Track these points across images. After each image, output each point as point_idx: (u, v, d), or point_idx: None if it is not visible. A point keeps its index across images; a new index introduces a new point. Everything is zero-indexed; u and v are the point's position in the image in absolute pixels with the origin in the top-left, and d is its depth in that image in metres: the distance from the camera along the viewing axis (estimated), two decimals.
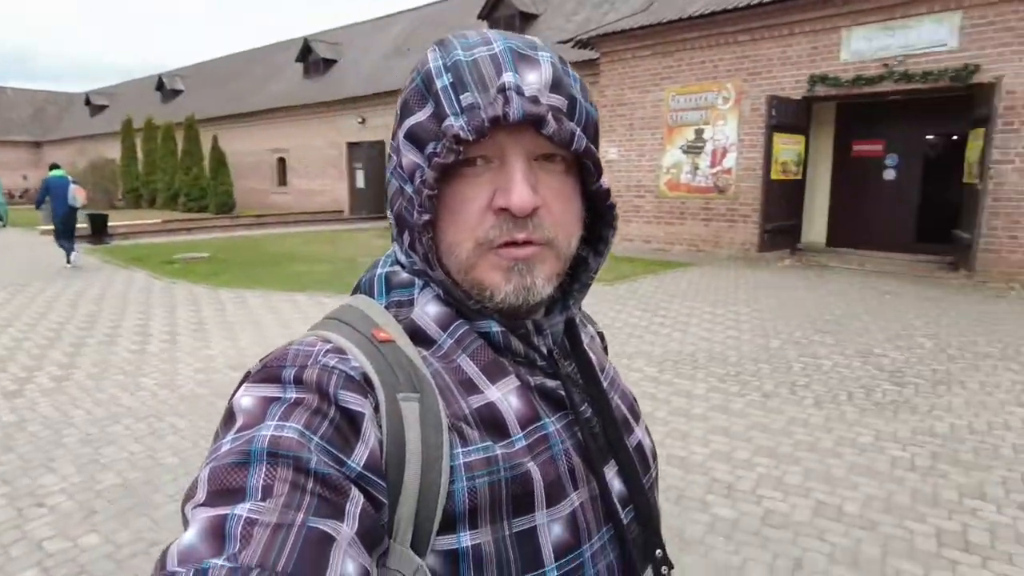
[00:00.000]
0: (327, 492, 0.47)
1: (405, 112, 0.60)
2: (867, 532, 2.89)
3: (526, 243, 0.59)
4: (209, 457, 0.49)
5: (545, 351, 0.66)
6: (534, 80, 0.56)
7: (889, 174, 11.13)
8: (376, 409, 0.54)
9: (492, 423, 0.59)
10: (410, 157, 0.60)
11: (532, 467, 0.58)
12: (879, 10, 9.46)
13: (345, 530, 0.46)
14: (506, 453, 0.57)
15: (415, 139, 0.59)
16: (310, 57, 25.75)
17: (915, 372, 5.11)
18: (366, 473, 0.50)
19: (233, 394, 0.55)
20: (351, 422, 0.52)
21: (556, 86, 0.58)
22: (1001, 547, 2.76)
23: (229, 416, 0.53)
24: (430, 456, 0.54)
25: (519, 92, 0.55)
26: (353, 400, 0.53)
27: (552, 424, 0.62)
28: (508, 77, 0.56)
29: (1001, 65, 8.56)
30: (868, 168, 11.21)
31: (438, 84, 0.57)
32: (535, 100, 0.56)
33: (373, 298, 0.66)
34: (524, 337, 0.64)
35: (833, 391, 4.71)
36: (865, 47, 9.72)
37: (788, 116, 10.28)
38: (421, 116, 0.58)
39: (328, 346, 0.57)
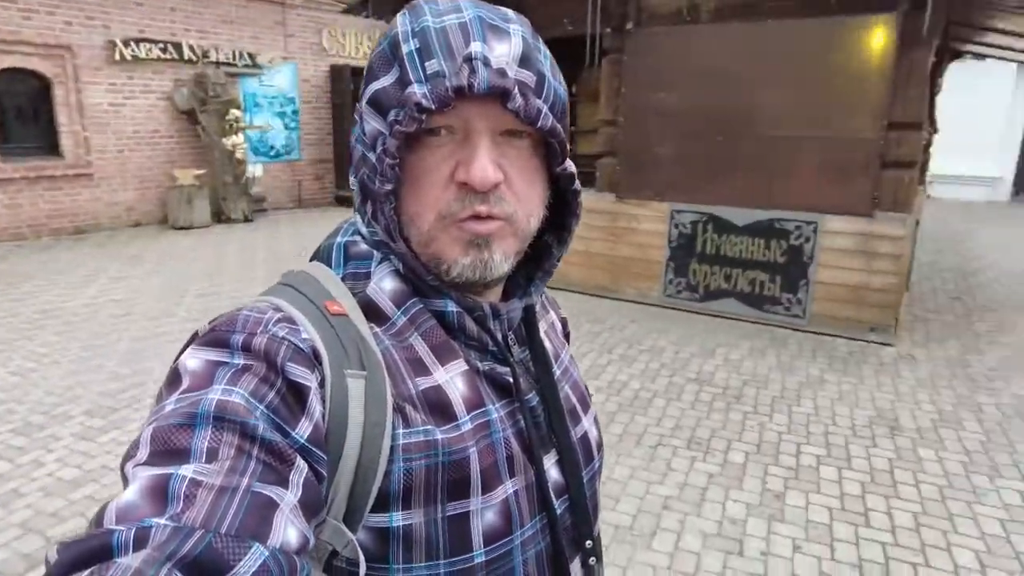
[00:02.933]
0: (272, 459, 0.47)
1: (370, 76, 0.59)
2: None
3: (488, 218, 0.58)
4: (152, 417, 0.48)
5: (500, 336, 0.65)
6: (503, 52, 0.55)
7: None
8: (321, 384, 0.53)
9: (437, 406, 0.59)
10: (372, 124, 0.59)
11: (472, 452, 0.58)
12: None
13: (289, 497, 0.46)
14: (447, 438, 0.57)
15: (378, 105, 0.58)
16: None
17: None
18: (309, 446, 0.50)
19: (178, 355, 0.53)
20: (297, 394, 0.51)
21: (525, 60, 0.56)
22: None
23: (174, 377, 0.51)
24: (371, 434, 0.54)
25: (486, 63, 0.54)
26: (300, 373, 0.52)
27: (495, 411, 0.62)
28: (476, 47, 0.54)
29: None
30: None
31: (404, 49, 0.56)
32: (502, 72, 0.54)
33: (330, 267, 0.64)
34: (480, 320, 0.64)
35: None
36: None
37: None
38: (385, 81, 0.57)
39: (279, 315, 0.56)
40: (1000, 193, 15.44)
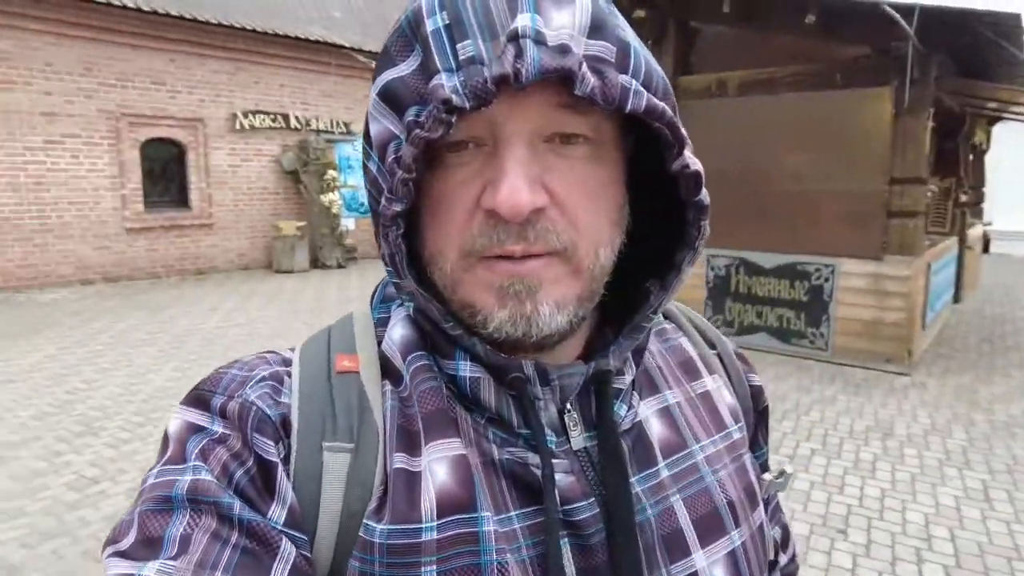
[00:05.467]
0: (253, 544, 0.41)
1: (384, 62, 0.45)
2: None
3: (526, 256, 0.44)
4: (140, 489, 0.44)
5: (553, 411, 0.49)
6: (564, 23, 0.40)
7: None
8: (286, 459, 0.45)
9: (402, 497, 0.45)
10: (383, 124, 0.44)
11: (427, 574, 0.43)
12: None
13: None
14: (391, 544, 0.43)
15: (392, 99, 0.43)
16: None
17: None
18: (288, 531, 0.43)
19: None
20: (266, 472, 0.44)
21: (597, 29, 0.41)
22: None
23: (163, 440, 0.47)
24: (350, 522, 0.44)
25: (539, 40, 0.39)
26: (265, 446, 0.45)
27: (492, 521, 0.45)
28: (524, 20, 0.39)
29: None
30: None
31: (428, 26, 0.41)
32: (563, 49, 0.39)
33: (370, 308, 0.56)
34: (516, 385, 0.47)
35: None
36: None
37: None
38: (404, 69, 0.43)
39: (268, 371, 0.49)
40: None
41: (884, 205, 5.66)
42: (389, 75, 0.44)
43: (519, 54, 0.39)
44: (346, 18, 13.15)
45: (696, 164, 0.46)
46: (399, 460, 0.46)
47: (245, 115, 11.34)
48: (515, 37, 0.39)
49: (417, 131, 0.40)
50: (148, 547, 0.40)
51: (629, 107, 0.41)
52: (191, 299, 8.89)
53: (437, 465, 0.46)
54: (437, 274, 0.47)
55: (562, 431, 0.50)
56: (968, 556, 3.05)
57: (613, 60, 0.42)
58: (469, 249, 0.45)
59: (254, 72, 11.49)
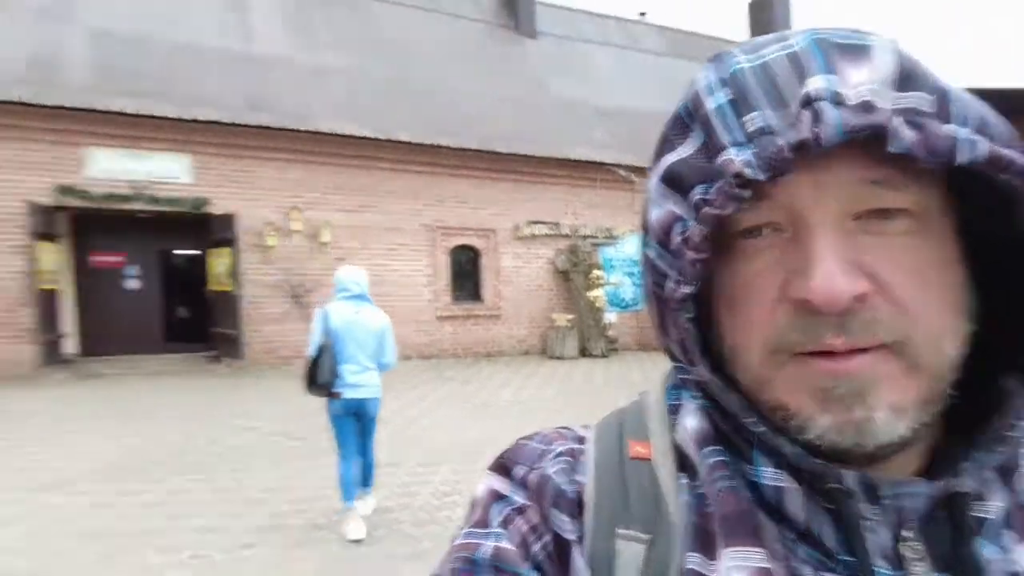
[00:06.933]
0: None
1: (663, 148, 0.43)
2: None
3: (851, 352, 0.37)
4: (451, 545, 0.47)
5: (884, 536, 0.39)
6: (863, 78, 0.35)
7: (131, 284, 12.18)
8: (580, 539, 0.44)
9: None
10: (666, 207, 0.41)
11: None
12: (120, 137, 10.64)
13: None
14: None
15: (676, 182, 0.41)
16: None
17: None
18: None
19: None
20: (561, 551, 0.44)
21: (907, 80, 0.36)
22: None
23: (471, 504, 0.49)
24: None
25: (837, 101, 0.35)
26: (561, 523, 0.44)
27: None
28: (817, 82, 0.35)
29: (227, 201, 11.25)
30: (109, 278, 11.94)
31: (710, 104, 0.39)
32: (867, 106, 0.34)
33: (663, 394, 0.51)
34: (834, 497, 0.39)
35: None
36: (112, 167, 10.63)
37: (46, 224, 10.03)
38: (684, 151, 0.40)
39: (565, 447, 0.49)
40: None
41: None
42: (670, 159, 0.41)
43: (816, 118, 0.34)
44: (606, 138, 15.00)
45: None
46: (692, 560, 0.40)
47: (526, 225, 13.45)
48: (809, 101, 0.35)
49: (707, 209, 0.37)
50: None
51: (963, 158, 0.34)
52: (485, 376, 10.69)
53: (737, 575, 0.38)
54: (740, 371, 0.41)
55: (898, 564, 0.38)
56: None
57: (933, 111, 0.35)
58: (777, 344, 0.38)
59: (533, 190, 13.69)
